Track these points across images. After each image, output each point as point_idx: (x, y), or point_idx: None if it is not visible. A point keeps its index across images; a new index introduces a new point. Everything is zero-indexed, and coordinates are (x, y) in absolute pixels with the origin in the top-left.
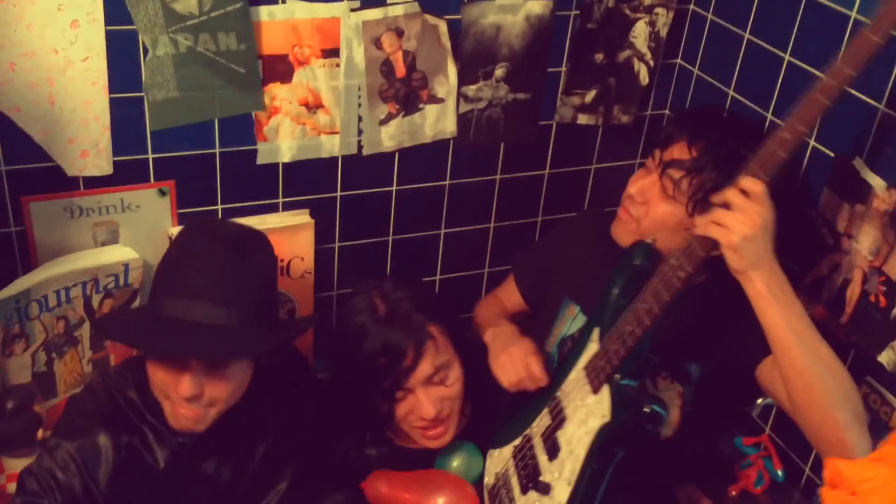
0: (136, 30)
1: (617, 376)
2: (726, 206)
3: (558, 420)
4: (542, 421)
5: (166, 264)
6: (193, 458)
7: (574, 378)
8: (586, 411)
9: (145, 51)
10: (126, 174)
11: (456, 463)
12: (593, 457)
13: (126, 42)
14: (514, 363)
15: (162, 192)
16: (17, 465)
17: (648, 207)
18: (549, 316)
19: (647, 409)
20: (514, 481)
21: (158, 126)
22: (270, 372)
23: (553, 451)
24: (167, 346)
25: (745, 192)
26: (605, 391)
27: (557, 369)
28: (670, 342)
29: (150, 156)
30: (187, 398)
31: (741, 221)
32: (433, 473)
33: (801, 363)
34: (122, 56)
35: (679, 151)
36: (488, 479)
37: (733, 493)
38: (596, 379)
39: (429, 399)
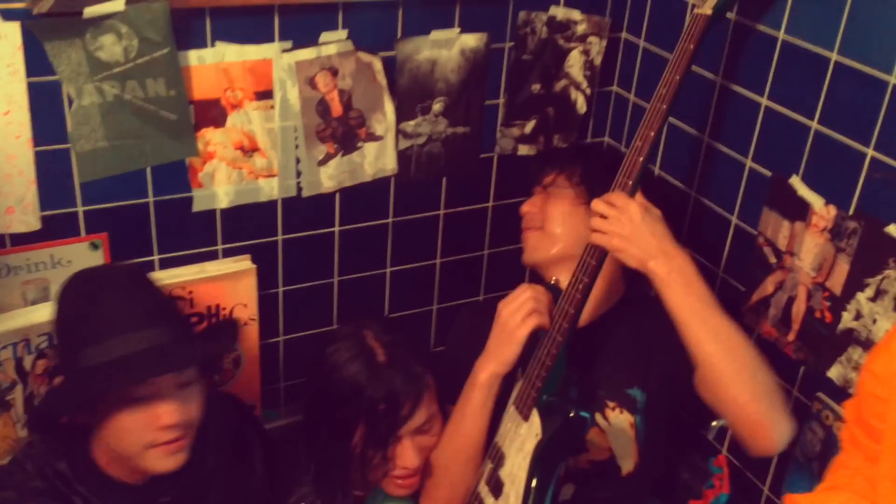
0: (60, 80)
1: (544, 397)
2: (603, 216)
3: (497, 460)
4: (486, 468)
5: (74, 319)
6: None
7: (507, 418)
8: (521, 439)
9: (70, 101)
10: (55, 229)
11: None
12: (534, 476)
13: (49, 93)
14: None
15: (94, 246)
16: None
17: (544, 211)
18: None
19: (572, 414)
20: None
21: (87, 177)
22: (213, 425)
23: (497, 489)
24: (137, 373)
25: (609, 201)
26: (535, 414)
27: (493, 417)
28: (611, 371)
29: (80, 208)
30: (174, 423)
31: (614, 225)
32: None
33: (701, 342)
34: (46, 107)
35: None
36: None
37: None
38: (525, 407)
39: (414, 448)
